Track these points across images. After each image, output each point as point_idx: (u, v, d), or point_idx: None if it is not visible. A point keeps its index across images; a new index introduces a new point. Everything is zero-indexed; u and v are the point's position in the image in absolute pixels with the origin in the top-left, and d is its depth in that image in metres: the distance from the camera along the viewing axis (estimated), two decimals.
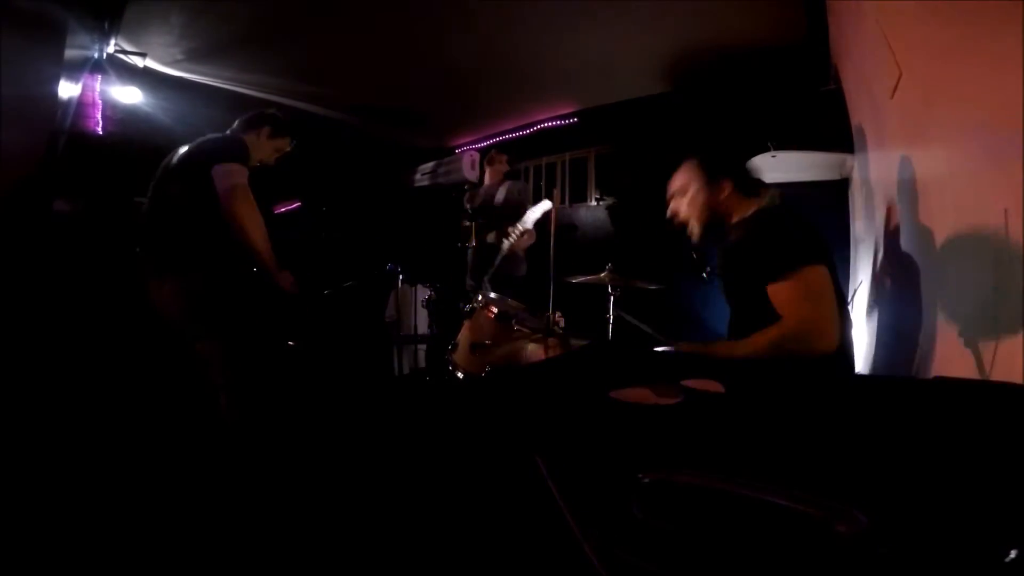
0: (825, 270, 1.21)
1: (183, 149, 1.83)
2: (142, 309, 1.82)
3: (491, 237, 3.01)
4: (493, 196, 3.12)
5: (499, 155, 3.22)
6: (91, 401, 2.40)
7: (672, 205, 1.48)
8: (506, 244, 2.89)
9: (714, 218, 1.42)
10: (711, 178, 1.41)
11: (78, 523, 1.54)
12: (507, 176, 3.23)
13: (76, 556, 1.39)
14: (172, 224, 1.73)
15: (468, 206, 3.15)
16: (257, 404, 1.74)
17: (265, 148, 1.94)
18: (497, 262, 3.03)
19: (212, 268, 1.69)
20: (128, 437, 2.16)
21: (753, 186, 1.41)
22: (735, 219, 1.40)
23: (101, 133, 3.09)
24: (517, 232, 2.82)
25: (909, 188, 1.43)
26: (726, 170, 1.41)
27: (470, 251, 3.11)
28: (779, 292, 1.20)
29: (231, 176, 1.65)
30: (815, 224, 1.34)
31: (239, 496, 1.63)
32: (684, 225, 1.47)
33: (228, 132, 1.93)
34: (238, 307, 1.71)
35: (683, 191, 1.46)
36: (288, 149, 2.02)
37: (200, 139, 1.83)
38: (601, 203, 4.12)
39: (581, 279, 2.26)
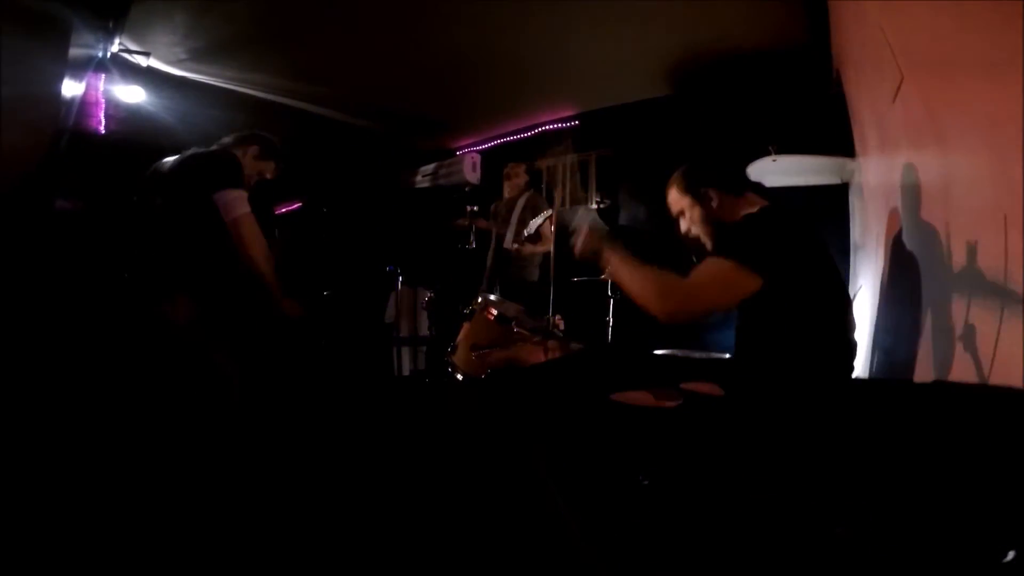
0: (754, 280, 1.18)
1: (171, 161, 1.80)
2: (145, 311, 1.82)
3: (507, 244, 3.05)
4: (512, 208, 3.15)
5: (516, 167, 3.22)
6: (93, 400, 2.40)
7: (681, 228, 1.51)
8: (513, 247, 2.91)
9: (715, 230, 1.43)
10: (696, 193, 1.44)
11: (79, 523, 1.54)
12: (529, 183, 3.25)
13: (77, 556, 1.39)
14: (176, 245, 1.73)
15: (491, 219, 3.18)
16: (273, 410, 1.77)
17: (247, 168, 1.89)
18: (489, 265, 3.04)
19: (222, 290, 1.72)
20: (130, 436, 2.16)
21: (738, 185, 1.43)
22: (730, 222, 1.41)
23: (104, 132, 3.10)
24: (521, 239, 2.85)
25: (910, 193, 1.44)
26: (708, 181, 1.43)
27: (488, 257, 3.16)
28: (706, 262, 1.23)
29: (235, 206, 1.66)
30: (812, 232, 1.33)
31: (239, 495, 1.64)
32: (698, 243, 1.49)
33: (216, 147, 1.88)
34: (250, 323, 1.76)
35: (681, 213, 1.49)
36: (269, 176, 1.95)
37: (190, 153, 1.79)
38: (603, 206, 4.13)
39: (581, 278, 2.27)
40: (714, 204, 1.41)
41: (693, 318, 1.19)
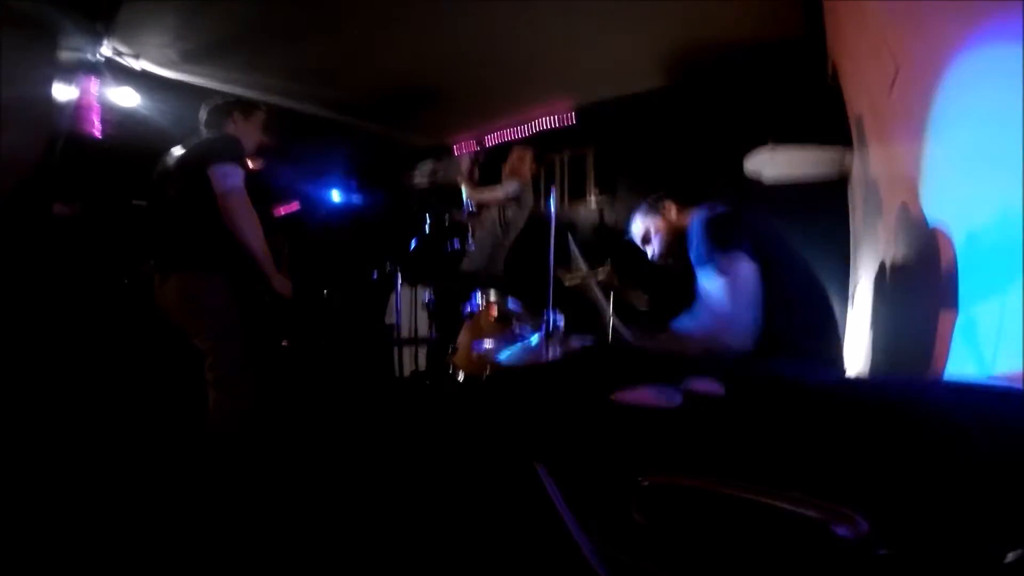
0: (754, 266, 1.22)
1: (179, 150, 1.83)
2: (142, 310, 1.82)
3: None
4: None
5: (524, 151, 3.12)
6: (90, 401, 2.40)
7: (649, 254, 1.60)
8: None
9: (679, 239, 1.49)
10: (656, 210, 1.55)
11: (76, 522, 1.55)
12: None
13: (73, 556, 1.39)
14: (172, 224, 1.76)
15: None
16: (249, 403, 1.75)
17: (254, 136, 1.96)
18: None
19: (209, 267, 1.72)
20: (126, 437, 2.17)
21: (691, 197, 1.53)
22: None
23: (98, 136, 3.09)
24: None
25: (908, 185, 1.43)
26: (663, 196, 1.55)
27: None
28: (704, 282, 1.27)
29: (227, 178, 1.67)
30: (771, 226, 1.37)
31: (237, 497, 1.64)
32: (667, 263, 1.57)
33: (217, 131, 1.91)
34: (233, 306, 1.74)
35: (647, 238, 1.58)
36: (264, 118, 2.03)
37: (195, 140, 1.85)
38: (600, 200, 4.12)
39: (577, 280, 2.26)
40: (672, 216, 1.52)
41: (750, 333, 1.21)
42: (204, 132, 1.92)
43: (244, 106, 1.96)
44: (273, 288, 1.76)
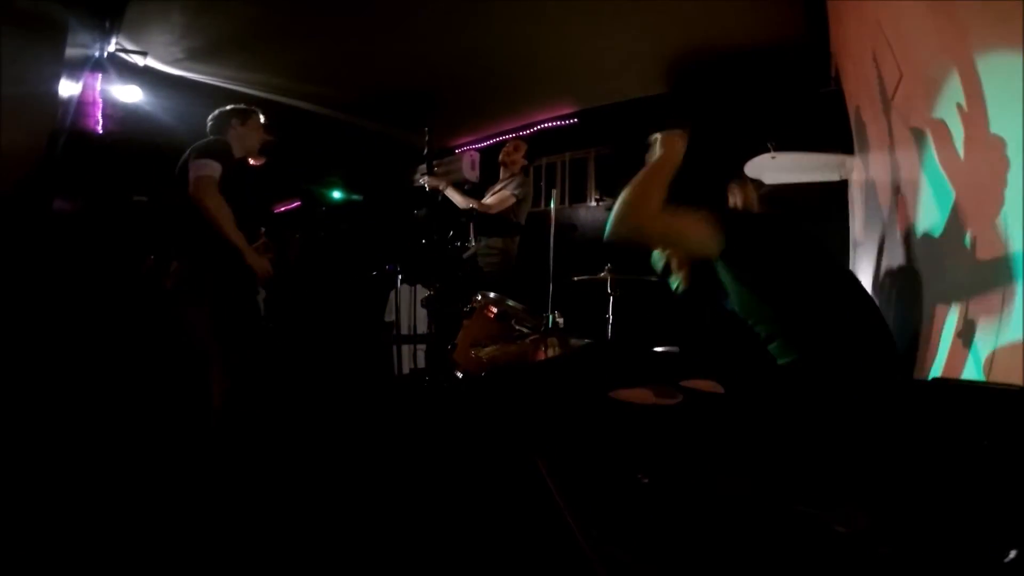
0: (714, 234, 1.08)
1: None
2: (142, 308, 1.87)
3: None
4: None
5: (518, 143, 3.14)
6: (90, 398, 2.40)
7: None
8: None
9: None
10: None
11: (75, 520, 1.55)
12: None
13: (69, 554, 1.39)
14: (171, 218, 1.96)
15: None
16: (245, 392, 1.85)
17: (254, 138, 2.10)
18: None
19: (208, 260, 1.86)
20: (127, 433, 2.17)
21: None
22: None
23: (101, 132, 3.09)
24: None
25: (909, 190, 1.43)
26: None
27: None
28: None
29: (199, 169, 1.81)
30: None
31: (237, 494, 1.64)
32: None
33: (214, 136, 2.06)
34: (230, 299, 1.87)
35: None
36: (262, 123, 2.16)
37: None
38: (601, 203, 4.13)
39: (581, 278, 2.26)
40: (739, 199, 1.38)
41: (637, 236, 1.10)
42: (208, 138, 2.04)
43: (240, 113, 2.09)
44: (248, 264, 1.85)
